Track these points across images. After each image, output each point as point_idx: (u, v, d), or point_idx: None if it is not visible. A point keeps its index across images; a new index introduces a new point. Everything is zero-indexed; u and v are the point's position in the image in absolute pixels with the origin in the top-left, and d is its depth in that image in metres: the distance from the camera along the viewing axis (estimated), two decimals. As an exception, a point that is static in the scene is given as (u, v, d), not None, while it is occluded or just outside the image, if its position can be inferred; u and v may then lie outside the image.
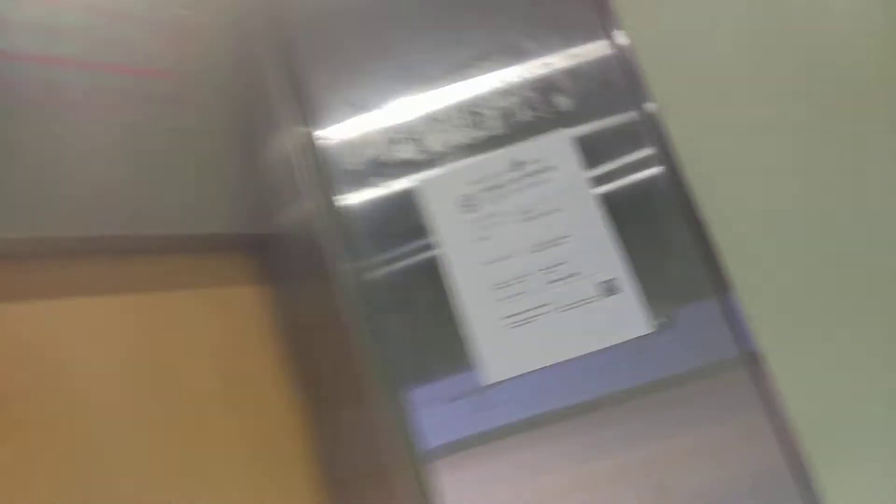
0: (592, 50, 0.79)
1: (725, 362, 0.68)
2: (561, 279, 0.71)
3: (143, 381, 0.76)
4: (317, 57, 0.85)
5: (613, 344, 0.68)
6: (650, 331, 0.69)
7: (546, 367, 0.69)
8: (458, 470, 0.71)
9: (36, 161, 0.70)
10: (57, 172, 0.72)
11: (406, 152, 0.78)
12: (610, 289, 0.70)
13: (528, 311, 0.71)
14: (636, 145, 0.75)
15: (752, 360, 0.68)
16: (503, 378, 0.70)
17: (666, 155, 0.74)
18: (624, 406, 0.68)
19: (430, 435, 0.76)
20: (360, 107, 0.81)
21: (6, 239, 0.68)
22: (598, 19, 0.80)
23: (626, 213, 0.73)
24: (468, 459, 0.70)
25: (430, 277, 0.74)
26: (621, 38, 0.79)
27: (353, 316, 0.75)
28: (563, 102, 0.78)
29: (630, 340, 0.68)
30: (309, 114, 0.82)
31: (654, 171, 0.74)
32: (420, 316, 0.73)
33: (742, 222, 0.74)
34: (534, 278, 0.72)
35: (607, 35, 0.79)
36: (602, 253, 0.72)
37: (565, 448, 0.68)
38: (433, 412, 0.72)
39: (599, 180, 0.75)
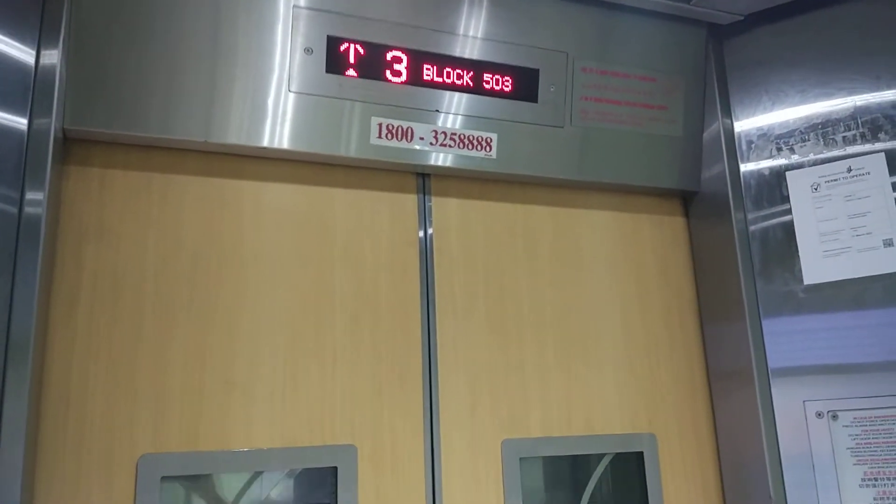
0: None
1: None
2: (860, 236, 1.32)
3: (620, 272, 1.58)
4: (742, 63, 1.53)
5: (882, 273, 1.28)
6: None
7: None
8: (789, 390, 1.35)
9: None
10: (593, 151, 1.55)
11: (789, 146, 1.44)
12: (888, 243, 1.28)
13: (837, 250, 1.34)
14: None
15: None
16: (817, 281, 1.35)
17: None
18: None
19: (773, 355, 1.42)
20: (771, 104, 1.48)
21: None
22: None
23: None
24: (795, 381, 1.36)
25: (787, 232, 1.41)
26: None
27: (739, 254, 1.44)
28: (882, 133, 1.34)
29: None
30: (730, 105, 1.52)
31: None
32: (771, 259, 1.40)
33: None
34: (844, 233, 1.34)
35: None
36: (888, 223, 1.29)
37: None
38: (779, 340, 1.38)
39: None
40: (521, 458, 1.35)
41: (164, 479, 1.14)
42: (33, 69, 1.09)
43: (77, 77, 1.15)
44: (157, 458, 1.14)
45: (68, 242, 1.17)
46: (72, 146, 1.20)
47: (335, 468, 1.23)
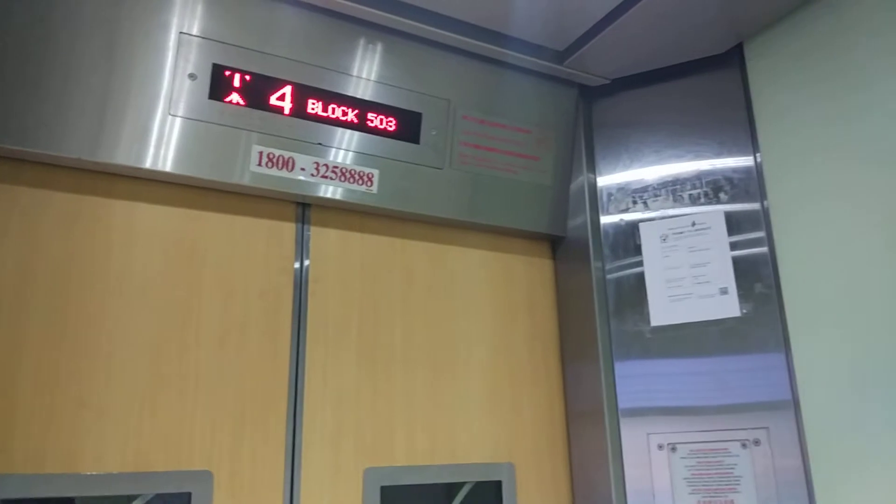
0: (743, 161, 1.50)
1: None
2: (700, 283, 1.46)
3: (487, 305, 1.68)
4: (607, 123, 1.68)
5: (717, 318, 1.43)
6: (737, 314, 1.41)
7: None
8: (635, 427, 1.47)
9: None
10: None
11: (643, 200, 1.58)
12: (724, 291, 1.43)
13: (681, 295, 1.48)
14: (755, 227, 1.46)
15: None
16: (663, 323, 1.48)
17: (769, 237, 1.44)
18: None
19: (622, 397, 1.54)
20: (629, 162, 1.62)
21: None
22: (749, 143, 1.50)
23: (741, 264, 1.45)
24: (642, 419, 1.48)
25: (639, 278, 1.54)
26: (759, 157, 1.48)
27: (596, 298, 1.56)
28: (721, 193, 1.51)
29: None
30: (595, 160, 1.66)
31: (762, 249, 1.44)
32: (624, 303, 1.54)
33: (812, 296, 1.38)
34: (686, 280, 1.48)
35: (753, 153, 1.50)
36: (724, 273, 1.44)
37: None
38: (628, 382, 1.51)
39: (734, 244, 1.47)
40: (382, 487, 1.37)
41: (4, 502, 1.09)
42: None
43: (-60, 82, 1.12)
44: (-6, 480, 1.09)
45: (-86, 250, 1.12)
46: (-71, 152, 1.16)
47: (189, 494, 1.21)
